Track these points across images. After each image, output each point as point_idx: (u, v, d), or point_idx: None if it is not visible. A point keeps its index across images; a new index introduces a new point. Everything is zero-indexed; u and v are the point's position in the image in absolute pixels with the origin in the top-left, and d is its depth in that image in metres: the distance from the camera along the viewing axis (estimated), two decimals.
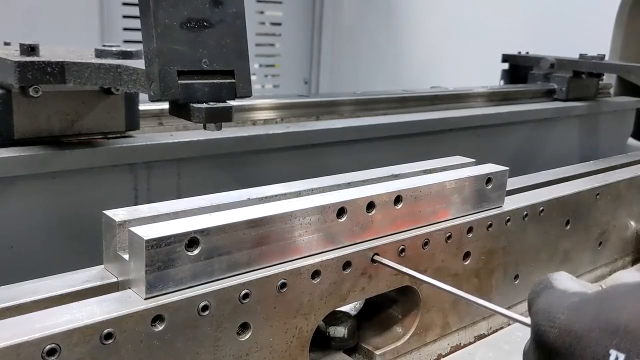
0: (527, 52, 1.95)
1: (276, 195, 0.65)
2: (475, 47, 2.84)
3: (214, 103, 0.62)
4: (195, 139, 1.02)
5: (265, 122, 1.23)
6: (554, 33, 2.47)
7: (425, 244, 0.73)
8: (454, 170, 0.81)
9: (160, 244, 0.51)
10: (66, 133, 0.92)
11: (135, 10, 0.62)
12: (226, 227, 0.55)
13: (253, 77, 2.34)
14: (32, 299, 0.53)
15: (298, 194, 0.67)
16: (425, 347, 0.77)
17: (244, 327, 0.57)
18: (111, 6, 3.04)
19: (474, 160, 0.86)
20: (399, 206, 0.70)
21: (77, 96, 0.92)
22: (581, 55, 1.75)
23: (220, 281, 0.55)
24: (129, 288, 0.53)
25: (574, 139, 1.83)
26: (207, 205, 0.60)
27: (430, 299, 0.75)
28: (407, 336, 0.74)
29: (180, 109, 0.63)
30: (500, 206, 0.82)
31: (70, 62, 0.81)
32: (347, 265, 0.65)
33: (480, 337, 0.85)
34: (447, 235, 0.75)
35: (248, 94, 0.66)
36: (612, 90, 2.01)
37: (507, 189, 0.83)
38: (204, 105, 0.61)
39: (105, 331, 0.47)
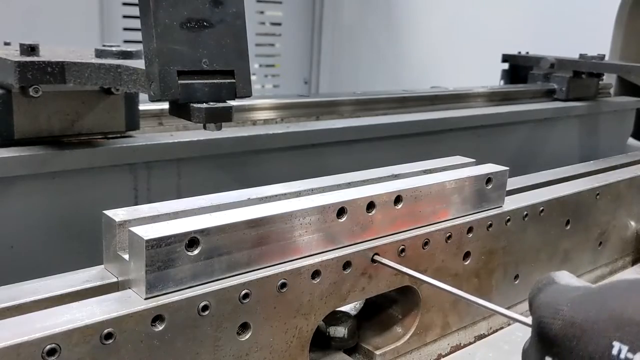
0: (527, 52, 1.95)
1: (276, 195, 0.65)
2: (475, 47, 2.84)
3: (214, 103, 0.62)
4: (195, 139, 1.02)
5: (265, 122, 1.23)
6: (554, 33, 2.47)
7: (425, 244, 0.73)
8: (454, 170, 0.81)
9: (160, 244, 0.51)
10: (66, 133, 0.92)
11: (135, 10, 0.62)
12: (226, 227, 0.55)
13: (253, 77, 2.35)
14: (32, 299, 0.53)
15: (298, 194, 0.67)
16: (425, 347, 0.77)
17: (244, 327, 0.57)
18: (111, 6, 3.04)
19: (474, 160, 0.86)
20: (399, 206, 0.70)
21: (77, 96, 0.92)
22: (581, 55, 1.75)
23: (220, 281, 0.55)
24: (129, 288, 0.53)
25: (574, 139, 1.83)
26: (207, 205, 0.60)
27: (430, 299, 0.75)
28: (407, 336, 0.74)
29: (180, 109, 0.63)
30: (500, 206, 0.82)
31: (70, 62, 0.81)
32: (347, 265, 0.65)
33: (480, 337, 0.85)
34: (447, 235, 0.75)
35: (248, 94, 0.66)
36: (612, 90, 2.01)
37: (507, 189, 0.83)
38: (204, 105, 0.61)
39: (105, 331, 0.47)
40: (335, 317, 0.72)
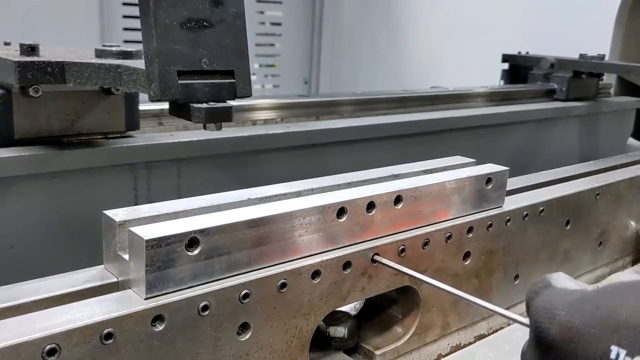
0: (527, 52, 1.95)
1: (276, 195, 0.65)
2: (475, 47, 2.84)
3: (214, 103, 0.62)
4: (195, 139, 1.02)
5: (265, 122, 1.23)
6: (554, 33, 2.47)
7: (425, 244, 0.73)
8: (454, 170, 0.81)
9: (160, 244, 0.51)
10: (66, 133, 0.92)
11: (135, 10, 0.62)
12: (226, 227, 0.55)
13: (253, 77, 2.34)
14: (32, 299, 0.53)
15: (298, 194, 0.67)
16: (425, 347, 0.77)
17: (244, 327, 0.57)
18: (111, 6, 3.04)
19: (474, 160, 0.86)
20: (399, 206, 0.70)
21: (77, 96, 0.92)
22: (581, 55, 1.75)
23: (220, 281, 0.55)
24: (129, 288, 0.53)
25: (574, 139, 1.83)
26: (207, 205, 0.60)
27: (430, 299, 0.75)
28: (407, 336, 0.74)
29: (180, 109, 0.63)
30: (500, 206, 0.82)
31: (70, 62, 0.81)
32: (347, 265, 0.65)
33: (480, 337, 0.85)
34: (447, 235, 0.75)
35: (248, 94, 0.66)
36: (612, 90, 2.01)
37: (507, 189, 0.83)
38: (204, 105, 0.61)
39: (105, 331, 0.47)
40: (335, 317, 0.72)
